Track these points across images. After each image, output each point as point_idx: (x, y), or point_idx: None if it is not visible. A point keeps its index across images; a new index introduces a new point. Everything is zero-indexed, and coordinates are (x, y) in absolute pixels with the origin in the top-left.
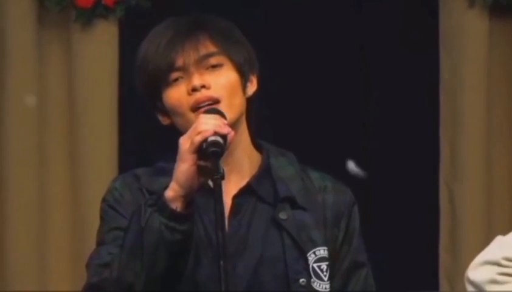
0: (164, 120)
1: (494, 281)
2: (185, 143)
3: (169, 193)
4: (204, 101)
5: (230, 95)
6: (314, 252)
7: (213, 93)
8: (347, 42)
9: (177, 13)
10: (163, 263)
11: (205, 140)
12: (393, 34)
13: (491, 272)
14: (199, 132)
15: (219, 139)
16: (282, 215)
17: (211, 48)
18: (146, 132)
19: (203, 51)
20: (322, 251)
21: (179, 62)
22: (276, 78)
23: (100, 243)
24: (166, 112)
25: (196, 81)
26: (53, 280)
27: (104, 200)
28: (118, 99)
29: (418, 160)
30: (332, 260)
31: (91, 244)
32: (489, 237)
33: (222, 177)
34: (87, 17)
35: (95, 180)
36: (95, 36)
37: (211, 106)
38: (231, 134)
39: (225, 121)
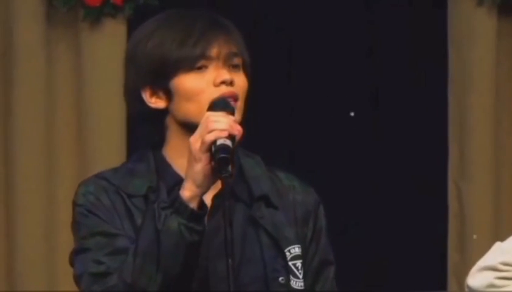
0: (156, 102)
1: (492, 286)
2: (196, 142)
3: (186, 194)
4: (229, 97)
5: (244, 96)
6: (289, 250)
7: (236, 90)
8: (356, 43)
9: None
10: (179, 265)
11: (215, 141)
12: (402, 33)
13: (488, 277)
14: (211, 131)
15: (228, 142)
16: (258, 213)
17: (236, 48)
18: None
19: (233, 48)
20: (297, 249)
21: (213, 52)
22: (284, 78)
23: (81, 249)
24: (170, 94)
25: (227, 75)
26: (62, 280)
27: (78, 204)
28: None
29: (427, 159)
30: (302, 258)
31: None
32: (498, 236)
33: (231, 176)
34: (96, 16)
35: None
36: (104, 35)
37: (221, 98)
38: (240, 132)
39: (234, 118)
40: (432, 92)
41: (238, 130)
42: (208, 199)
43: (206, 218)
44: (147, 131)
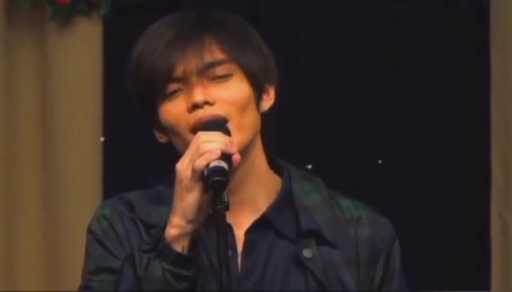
0: (161, 137)
1: None
2: (186, 170)
3: (171, 232)
4: (209, 121)
5: (240, 113)
6: None
7: (218, 110)
8: (384, 40)
9: (172, 9)
10: None
11: (207, 164)
12: (438, 33)
13: None
14: (202, 154)
15: (223, 164)
16: (306, 253)
17: (219, 55)
18: (135, 147)
19: (208, 58)
20: None
21: (179, 71)
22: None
23: (85, 285)
24: (163, 128)
25: (198, 96)
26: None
27: (90, 231)
28: (103, 110)
29: (466, 185)
30: None
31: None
32: None
33: (227, 208)
34: (66, 14)
35: (75, 202)
36: (75, 37)
37: (212, 118)
38: (237, 156)
39: (231, 139)
40: (471, 100)
41: (236, 150)
42: (240, 233)
43: (240, 258)
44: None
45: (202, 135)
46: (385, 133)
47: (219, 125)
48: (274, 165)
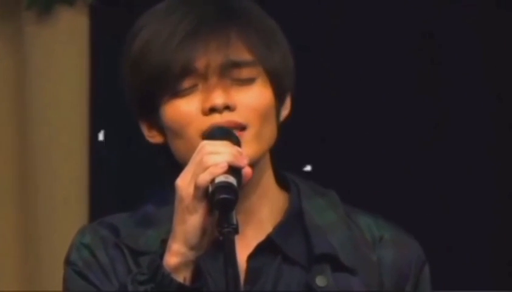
0: (153, 136)
1: None
2: (188, 186)
3: (171, 261)
4: (214, 129)
5: (261, 122)
6: None
7: (238, 117)
8: (416, 50)
9: None
10: None
11: (213, 180)
12: (471, 33)
13: None
14: (207, 168)
15: (231, 179)
16: (319, 281)
17: (245, 55)
18: (126, 153)
19: (234, 56)
20: None
21: (199, 64)
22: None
23: None
24: (161, 128)
25: (219, 99)
26: None
27: (69, 262)
28: (89, 111)
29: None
30: None
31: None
32: None
33: (236, 231)
34: (45, 2)
35: (58, 217)
36: (56, 29)
37: (220, 126)
38: (247, 170)
39: (240, 150)
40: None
41: (246, 163)
42: (242, 259)
43: (243, 285)
44: (168, 165)
45: (207, 146)
46: (425, 134)
47: (227, 133)
48: (280, 180)
